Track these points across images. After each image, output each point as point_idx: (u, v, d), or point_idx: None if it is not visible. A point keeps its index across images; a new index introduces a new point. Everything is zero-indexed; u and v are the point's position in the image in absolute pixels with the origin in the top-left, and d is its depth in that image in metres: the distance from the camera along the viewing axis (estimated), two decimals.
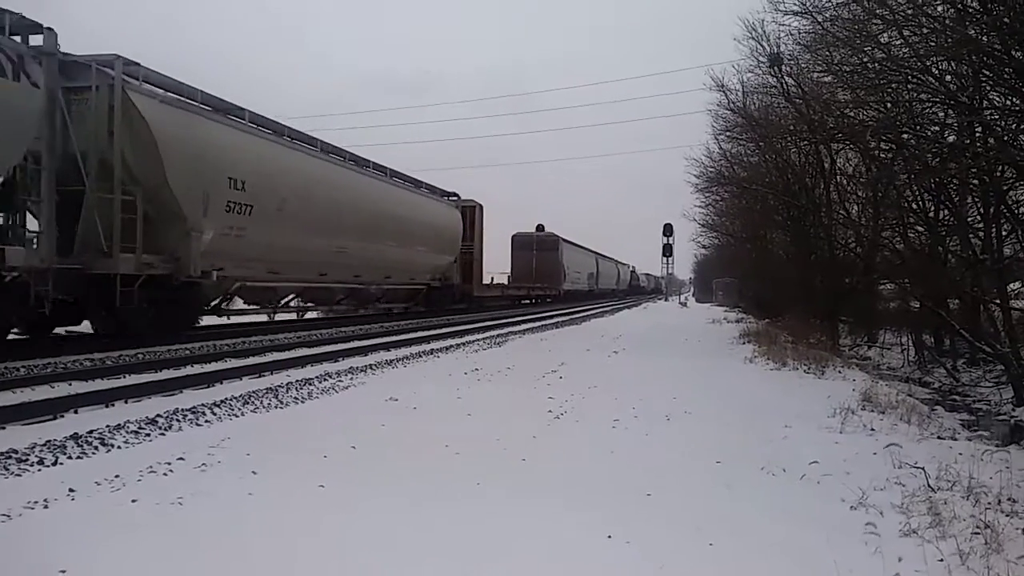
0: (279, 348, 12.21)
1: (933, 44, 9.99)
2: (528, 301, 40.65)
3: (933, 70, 10.61)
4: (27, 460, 4.71)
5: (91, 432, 5.45)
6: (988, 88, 10.35)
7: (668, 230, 58.41)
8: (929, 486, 4.43)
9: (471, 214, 27.54)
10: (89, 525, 3.56)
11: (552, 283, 43.35)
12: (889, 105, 12.27)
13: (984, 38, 8.89)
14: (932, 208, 14.09)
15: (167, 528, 3.55)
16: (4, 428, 5.69)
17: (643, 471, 4.87)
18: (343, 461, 4.95)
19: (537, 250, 42.58)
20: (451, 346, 14.03)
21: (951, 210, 13.22)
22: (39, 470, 4.58)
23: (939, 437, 6.49)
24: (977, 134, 11.10)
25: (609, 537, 3.57)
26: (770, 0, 13.42)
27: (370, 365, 10.52)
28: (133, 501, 3.93)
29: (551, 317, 27.37)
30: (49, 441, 5.13)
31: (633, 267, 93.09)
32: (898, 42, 10.74)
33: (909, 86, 11.28)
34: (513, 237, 43.74)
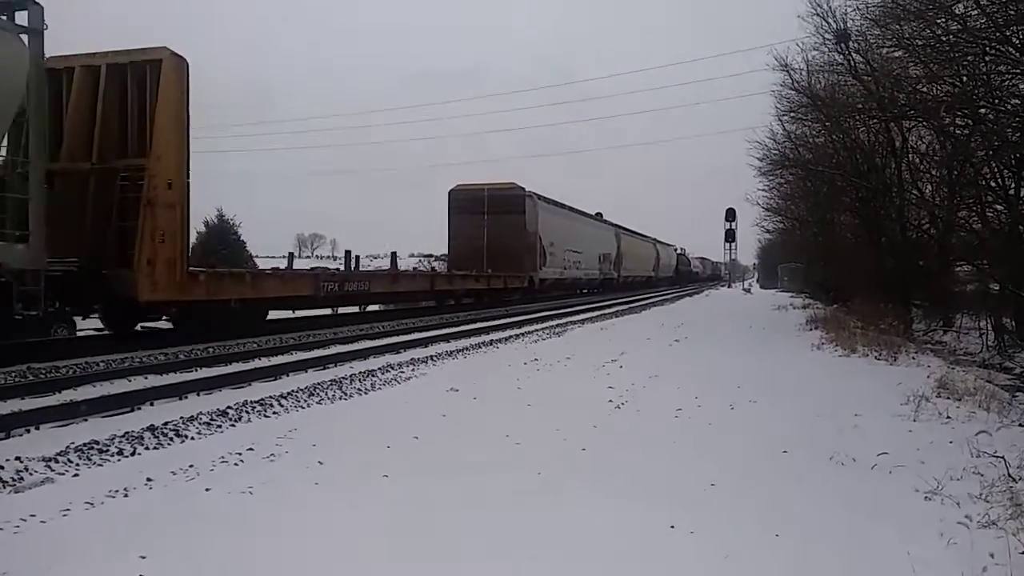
0: (343, 340, 12.46)
1: (1013, 12, 9.50)
2: (452, 302, 22.77)
3: (1013, 40, 10.09)
4: (108, 451, 4.94)
5: (166, 424, 5.66)
6: None
7: (731, 215, 57.04)
8: (1010, 475, 4.23)
9: (134, 78, 10.91)
10: (166, 513, 3.71)
11: (515, 268, 25.75)
12: (965, 79, 11.73)
13: None
14: (1012, 185, 13.41)
15: (239, 517, 3.67)
16: (87, 420, 5.97)
17: (707, 461, 4.79)
18: (406, 451, 5.03)
19: (489, 213, 25.76)
20: (510, 336, 14.08)
21: None
22: (119, 460, 4.80)
23: (1020, 425, 6.19)
24: None
25: (672, 527, 3.53)
26: None
27: (431, 356, 10.64)
28: (207, 490, 4.08)
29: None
30: (128, 432, 5.35)
31: (681, 249, 77.59)
32: (974, 12, 10.25)
33: (987, 58, 10.77)
34: (451, 193, 26.81)
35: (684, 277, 72.97)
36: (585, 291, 38.08)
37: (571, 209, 34.04)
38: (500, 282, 24.92)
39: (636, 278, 49.62)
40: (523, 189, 26.94)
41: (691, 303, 32.00)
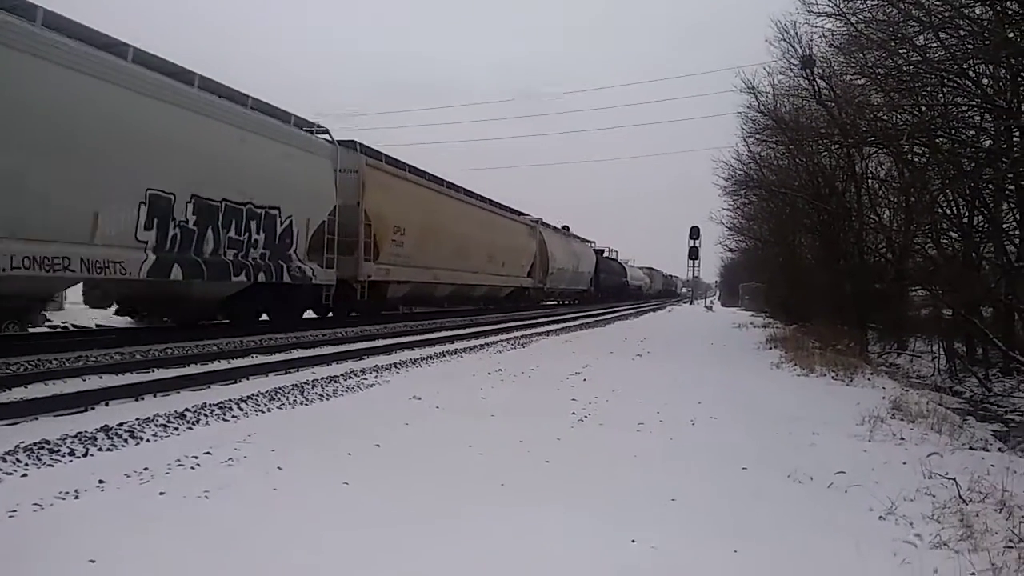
0: (305, 345, 12.31)
1: (971, 47, 9.84)
2: None
3: (970, 73, 10.46)
4: (59, 451, 4.79)
5: (121, 425, 5.52)
6: None
7: (695, 233, 57.98)
8: (960, 497, 4.34)
9: None
10: (118, 516, 3.61)
11: None
12: (924, 108, 12.10)
13: None
14: (966, 213, 13.85)
15: (194, 521, 3.59)
16: (37, 419, 5.79)
17: (668, 476, 4.83)
18: (367, 459, 4.98)
19: None
20: (475, 346, 14.06)
21: (986, 216, 12.99)
22: (70, 461, 4.66)
23: (971, 448, 6.36)
24: (1015, 139, 10.89)
25: (633, 541, 3.55)
26: (803, 1, 13.29)
27: (395, 363, 10.56)
28: (161, 494, 3.98)
29: None
30: (80, 433, 5.20)
31: (611, 251, 54.52)
32: (934, 44, 10.59)
33: (945, 89, 11.11)
34: None
35: (612, 291, 49.17)
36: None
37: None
38: None
39: (457, 287, 24.48)
40: None
41: (653, 318, 32.35)
